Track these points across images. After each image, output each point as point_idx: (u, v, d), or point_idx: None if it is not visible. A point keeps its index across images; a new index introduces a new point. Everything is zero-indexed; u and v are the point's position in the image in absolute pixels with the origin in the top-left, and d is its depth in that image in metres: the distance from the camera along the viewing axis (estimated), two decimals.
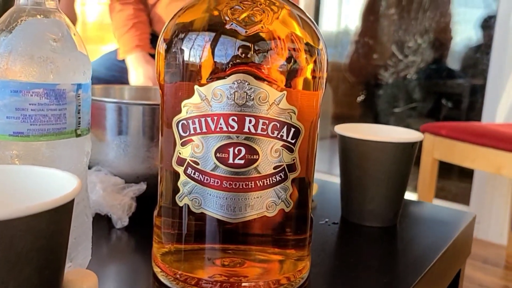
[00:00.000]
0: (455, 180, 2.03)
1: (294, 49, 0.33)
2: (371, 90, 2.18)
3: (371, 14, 2.00)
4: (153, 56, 1.33)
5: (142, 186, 0.47)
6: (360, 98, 2.29)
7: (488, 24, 1.75)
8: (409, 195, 1.47)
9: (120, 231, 0.46)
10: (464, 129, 1.22)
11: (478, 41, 1.84)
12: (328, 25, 2.28)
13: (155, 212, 0.38)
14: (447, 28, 1.90)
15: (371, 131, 0.55)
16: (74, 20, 1.81)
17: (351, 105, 2.39)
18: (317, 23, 2.18)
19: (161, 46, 0.35)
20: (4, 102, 0.30)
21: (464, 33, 1.89)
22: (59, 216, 0.24)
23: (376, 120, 2.34)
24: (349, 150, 0.50)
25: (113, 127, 0.49)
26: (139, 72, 1.28)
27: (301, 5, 2.11)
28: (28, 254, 0.22)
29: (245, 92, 0.31)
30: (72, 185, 0.25)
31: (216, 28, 0.32)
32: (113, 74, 1.37)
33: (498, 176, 1.54)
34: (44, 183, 0.28)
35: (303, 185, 0.35)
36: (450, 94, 1.95)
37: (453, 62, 1.95)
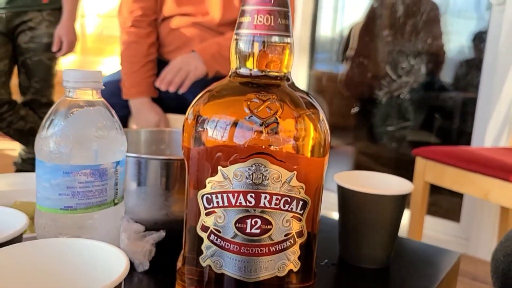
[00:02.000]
0: (447, 194, 2.09)
1: (300, 129, 0.38)
2: (366, 104, 2.24)
3: (366, 34, 2.07)
4: (155, 99, 1.36)
5: (162, 234, 0.52)
6: (354, 110, 2.35)
7: (479, 41, 1.81)
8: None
9: (141, 274, 0.52)
10: (454, 154, 1.28)
11: (471, 57, 1.91)
12: (324, 30, 2.33)
13: (179, 262, 0.43)
14: (439, 50, 1.96)
15: (367, 180, 0.60)
16: (74, 40, 1.86)
17: (345, 116, 2.46)
18: (314, 29, 2.25)
19: (190, 117, 0.40)
20: (57, 182, 0.35)
21: (457, 50, 1.96)
22: None
23: (370, 135, 2.40)
24: (347, 200, 0.56)
25: (133, 179, 0.54)
26: (142, 119, 1.33)
27: (299, 11, 2.17)
28: None
29: (261, 173, 0.37)
30: (122, 263, 0.30)
31: (237, 116, 0.37)
32: (115, 101, 1.40)
33: None
34: (93, 256, 0.33)
35: (309, 246, 0.41)
36: (443, 114, 2.02)
37: (446, 83, 2.02)
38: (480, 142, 1.75)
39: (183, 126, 0.41)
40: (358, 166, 2.65)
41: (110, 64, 2.92)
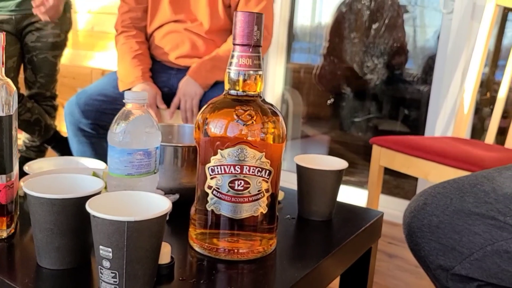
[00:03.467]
0: (409, 178, 2.39)
1: (269, 128, 0.64)
2: (337, 98, 2.52)
3: (335, 36, 2.33)
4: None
5: (176, 196, 0.78)
6: (330, 101, 2.62)
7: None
8: (363, 191, 1.88)
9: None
10: (402, 143, 1.55)
11: (434, 53, 2.19)
12: (302, 19, 2.56)
13: (192, 210, 0.68)
14: (401, 51, 2.24)
15: (316, 160, 0.86)
16: (58, 9, 2.00)
17: (322, 107, 2.72)
18: (293, 18, 2.47)
19: (200, 119, 0.65)
20: (123, 159, 0.60)
21: (423, 45, 2.24)
22: (162, 220, 0.54)
23: (342, 125, 2.68)
24: (301, 174, 0.82)
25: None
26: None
27: (278, 2, 2.38)
28: (152, 237, 0.53)
29: (243, 154, 0.62)
30: (166, 203, 0.56)
31: (229, 119, 0.63)
32: (119, 92, 1.64)
33: None
34: (146, 201, 0.58)
35: (273, 198, 0.67)
36: (404, 105, 2.31)
37: (407, 78, 2.30)
38: (432, 131, 2.03)
39: (195, 124, 0.66)
40: (331, 152, 2.93)
41: (101, 58, 3.12)
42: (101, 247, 0.52)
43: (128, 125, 0.60)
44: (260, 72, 0.65)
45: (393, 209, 2.16)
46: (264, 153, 0.63)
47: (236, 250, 0.65)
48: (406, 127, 2.42)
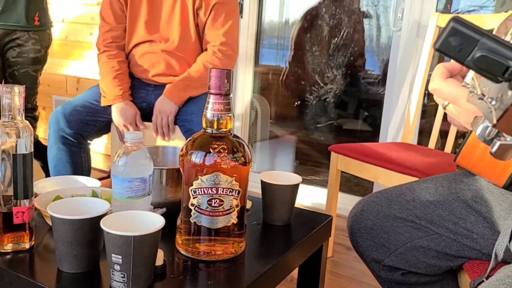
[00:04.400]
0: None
1: (237, 157, 0.82)
2: (302, 102, 2.73)
3: (299, 49, 2.54)
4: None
5: (164, 209, 0.95)
6: (298, 103, 2.84)
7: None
8: (322, 190, 2.10)
9: None
10: (355, 150, 1.77)
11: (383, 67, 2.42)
12: (270, 15, 2.74)
13: (178, 221, 0.86)
14: (358, 63, 2.46)
15: (277, 176, 1.05)
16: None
17: (289, 107, 2.93)
18: (261, 14, 2.64)
19: (184, 150, 0.83)
20: (124, 185, 0.78)
21: (373, 62, 2.47)
22: (158, 233, 0.72)
23: (307, 126, 2.89)
24: (265, 188, 1.01)
25: None
26: (121, 114, 1.71)
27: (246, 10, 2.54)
28: (151, 246, 0.71)
29: (218, 178, 0.80)
30: (160, 220, 0.74)
31: (207, 151, 0.81)
32: (101, 106, 1.78)
33: None
34: (145, 219, 0.76)
35: (242, 209, 0.85)
36: (364, 107, 2.54)
37: (362, 89, 2.53)
38: (385, 137, 2.26)
39: (180, 153, 0.84)
40: (298, 152, 3.16)
41: (76, 66, 3.23)
42: (113, 255, 0.69)
43: (128, 159, 0.77)
44: (230, 114, 0.83)
45: (352, 205, 2.38)
46: (234, 177, 0.82)
47: (213, 252, 0.84)
48: (367, 125, 2.67)
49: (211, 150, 0.81)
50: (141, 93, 1.82)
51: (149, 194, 0.82)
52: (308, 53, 2.50)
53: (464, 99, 0.49)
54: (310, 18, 2.49)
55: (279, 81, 2.84)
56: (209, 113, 0.82)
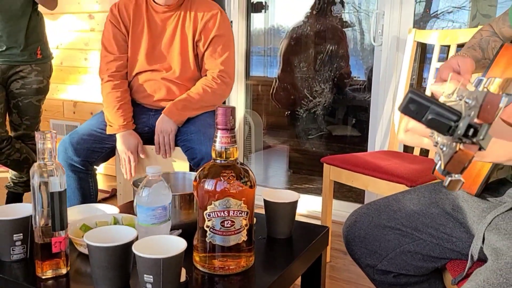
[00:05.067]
0: None
1: (244, 183, 0.95)
2: (293, 113, 2.87)
3: (287, 65, 2.67)
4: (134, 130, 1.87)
5: (179, 231, 1.07)
6: (287, 113, 2.97)
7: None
8: (316, 198, 2.24)
9: None
10: (346, 161, 1.90)
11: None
12: (257, 23, 2.87)
13: (195, 241, 0.98)
14: (344, 76, 2.61)
15: (277, 194, 1.17)
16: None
17: (280, 116, 3.06)
18: (249, 21, 2.78)
19: (197, 178, 0.95)
20: (148, 213, 0.89)
21: (358, 68, 2.62)
22: (182, 254, 0.84)
23: (298, 135, 3.03)
24: (268, 206, 1.13)
25: None
26: (125, 143, 1.83)
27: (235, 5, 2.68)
28: (177, 266, 0.82)
29: (229, 203, 0.93)
30: (183, 243, 0.85)
31: (217, 179, 0.93)
32: (104, 133, 1.89)
33: None
34: (170, 242, 0.87)
35: (250, 227, 0.97)
36: (348, 120, 2.68)
37: (349, 96, 2.67)
38: (373, 145, 2.40)
39: (194, 180, 0.96)
40: (291, 162, 3.29)
41: (72, 91, 3.33)
42: (145, 275, 0.81)
43: (151, 190, 0.89)
44: (235, 146, 0.95)
45: (346, 211, 2.51)
46: (242, 201, 0.94)
47: (227, 267, 0.96)
48: (356, 130, 2.81)
49: (222, 178, 0.93)
50: (143, 118, 1.93)
51: (169, 220, 0.94)
52: (296, 69, 2.64)
53: (426, 142, 0.63)
54: (296, 36, 2.64)
55: (269, 94, 2.97)
56: (217, 145, 0.94)
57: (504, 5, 2.19)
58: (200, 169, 0.97)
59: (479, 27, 1.62)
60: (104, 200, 2.74)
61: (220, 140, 0.94)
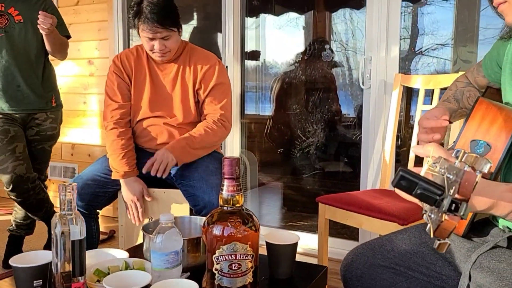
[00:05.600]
0: None
1: (249, 227, 1.03)
2: (286, 151, 2.98)
3: (280, 106, 2.80)
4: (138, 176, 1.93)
5: (188, 274, 1.14)
6: (280, 150, 3.07)
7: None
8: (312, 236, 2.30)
9: None
10: (340, 200, 1.98)
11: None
12: (249, 61, 2.99)
13: (204, 283, 1.05)
14: (334, 115, 2.73)
15: (278, 236, 1.25)
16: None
17: (273, 153, 3.15)
18: (243, 66, 2.90)
19: (205, 223, 1.03)
20: (162, 258, 0.97)
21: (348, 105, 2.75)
22: None
23: (292, 171, 3.11)
24: (270, 247, 1.21)
25: None
26: (130, 189, 1.89)
27: (229, 34, 2.81)
28: None
29: (236, 247, 1.00)
30: (195, 286, 0.92)
31: (225, 225, 1.01)
32: (109, 178, 1.96)
33: None
34: (183, 285, 0.94)
35: (256, 270, 1.05)
36: (340, 156, 2.78)
37: (340, 133, 2.80)
38: (365, 183, 2.49)
39: (203, 226, 1.04)
40: (285, 198, 3.37)
41: (71, 133, 3.41)
42: None
43: (164, 236, 0.97)
44: (241, 193, 1.04)
45: (342, 249, 2.58)
46: (248, 244, 1.02)
47: None
48: (348, 166, 2.91)
49: (229, 224, 1.01)
50: (146, 162, 2.01)
51: (180, 264, 1.01)
52: (289, 110, 2.77)
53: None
54: (289, 80, 2.77)
55: (263, 133, 3.08)
56: (224, 193, 1.03)
57: (483, 51, 2.35)
58: (208, 216, 1.05)
59: (460, 73, 1.75)
60: (102, 242, 2.78)
61: (227, 189, 1.03)
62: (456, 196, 0.65)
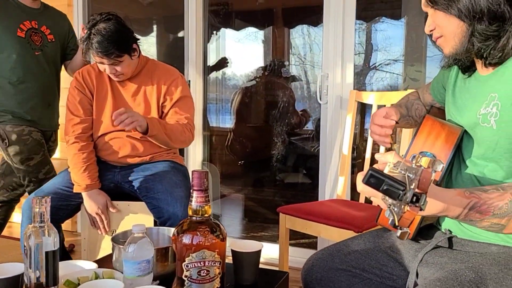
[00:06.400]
0: None
1: (217, 236, 1.09)
2: (246, 163, 3.06)
3: (241, 120, 2.89)
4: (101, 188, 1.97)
5: (157, 282, 1.18)
6: (241, 162, 3.14)
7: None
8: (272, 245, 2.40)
9: None
10: (300, 210, 2.08)
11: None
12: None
13: None
14: (294, 127, 2.84)
15: (242, 244, 1.32)
16: None
17: (234, 165, 3.22)
18: (205, 81, 2.98)
19: (175, 233, 1.08)
20: (135, 267, 1.02)
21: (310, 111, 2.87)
22: None
23: (253, 183, 3.19)
24: (235, 255, 1.28)
25: None
26: (93, 202, 1.92)
27: (192, 50, 2.87)
28: None
29: (204, 254, 1.07)
30: None
31: (194, 234, 1.07)
32: (71, 191, 1.97)
33: None
34: None
35: (223, 276, 1.11)
36: (299, 168, 2.89)
37: (299, 145, 2.91)
38: (323, 194, 2.61)
39: (172, 235, 1.10)
40: (246, 210, 3.44)
41: None
42: None
43: (136, 246, 1.02)
44: (209, 204, 1.11)
45: (300, 257, 2.67)
46: (216, 252, 1.08)
47: None
48: (306, 178, 3.02)
49: (198, 233, 1.07)
50: (109, 175, 2.03)
51: (151, 271, 1.06)
52: (249, 123, 2.86)
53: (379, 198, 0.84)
54: (250, 94, 2.87)
55: (225, 146, 3.15)
56: (194, 204, 1.09)
57: (430, 69, 2.54)
58: (178, 225, 1.10)
59: (409, 90, 1.90)
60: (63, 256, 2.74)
61: (196, 200, 1.09)
62: (416, 190, 0.78)
